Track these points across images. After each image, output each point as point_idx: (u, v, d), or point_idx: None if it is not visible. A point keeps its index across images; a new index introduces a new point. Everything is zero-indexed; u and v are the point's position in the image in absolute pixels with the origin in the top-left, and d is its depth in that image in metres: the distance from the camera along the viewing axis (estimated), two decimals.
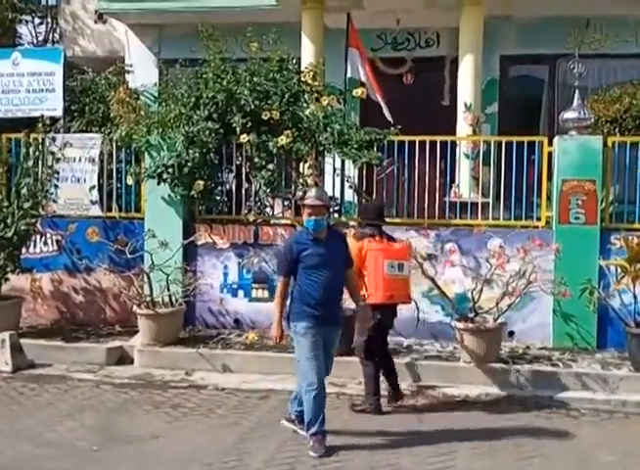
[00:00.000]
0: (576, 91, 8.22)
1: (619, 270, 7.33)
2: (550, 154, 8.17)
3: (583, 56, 9.16)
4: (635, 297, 7.26)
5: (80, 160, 9.01)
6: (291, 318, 5.65)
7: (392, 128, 8.28)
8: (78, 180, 9.00)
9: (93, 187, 8.96)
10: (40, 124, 8.70)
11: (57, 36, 14.38)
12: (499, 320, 7.38)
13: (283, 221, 8.67)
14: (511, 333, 7.94)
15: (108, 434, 5.93)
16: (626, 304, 7.36)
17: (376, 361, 6.51)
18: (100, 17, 13.38)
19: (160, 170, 8.33)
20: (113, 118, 9.08)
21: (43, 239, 8.98)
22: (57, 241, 8.99)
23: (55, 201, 8.86)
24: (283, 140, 8.08)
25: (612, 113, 8.77)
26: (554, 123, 10.43)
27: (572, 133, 8.03)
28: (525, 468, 4.92)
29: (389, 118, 9.19)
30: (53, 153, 8.75)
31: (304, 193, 5.97)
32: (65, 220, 8.97)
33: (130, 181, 8.74)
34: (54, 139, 8.89)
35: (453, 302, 7.77)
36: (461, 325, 7.34)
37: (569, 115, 8.08)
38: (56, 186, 8.82)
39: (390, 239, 6.70)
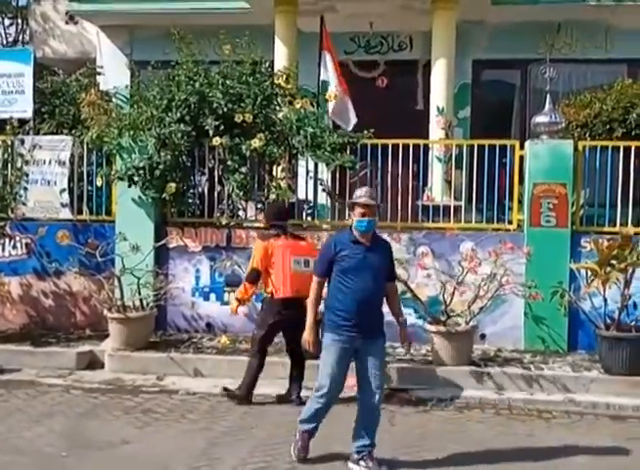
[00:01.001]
0: (548, 96, 8.30)
1: (590, 273, 7.39)
2: (521, 157, 8.23)
3: (554, 61, 9.29)
4: (605, 299, 7.32)
5: (50, 162, 8.90)
6: (323, 328, 5.30)
7: (365, 131, 8.28)
8: (48, 183, 8.89)
9: (63, 190, 8.85)
10: (8, 126, 8.59)
11: (27, 37, 14.25)
12: (471, 323, 7.41)
13: (256, 224, 8.63)
14: (483, 336, 7.98)
15: (77, 440, 5.85)
16: (597, 306, 7.43)
17: (263, 358, 6.76)
18: (71, 18, 13.27)
19: (131, 173, 8.26)
20: (83, 121, 8.98)
21: (12, 242, 8.86)
22: (26, 244, 8.86)
23: (24, 204, 8.75)
24: (256, 143, 8.05)
25: (582, 117, 8.84)
26: (525, 127, 10.52)
27: (544, 137, 8.10)
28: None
29: (349, 125, 9.15)
30: (22, 155, 8.64)
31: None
32: (34, 223, 8.85)
33: (99, 182, 8.66)
34: (23, 141, 8.77)
35: (425, 305, 7.78)
36: (433, 328, 7.37)
37: (540, 119, 8.15)
38: (25, 189, 8.71)
39: (296, 237, 6.89)
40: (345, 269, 5.14)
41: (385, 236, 8.09)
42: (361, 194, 5.23)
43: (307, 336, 5.33)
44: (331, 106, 9.43)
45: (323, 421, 5.45)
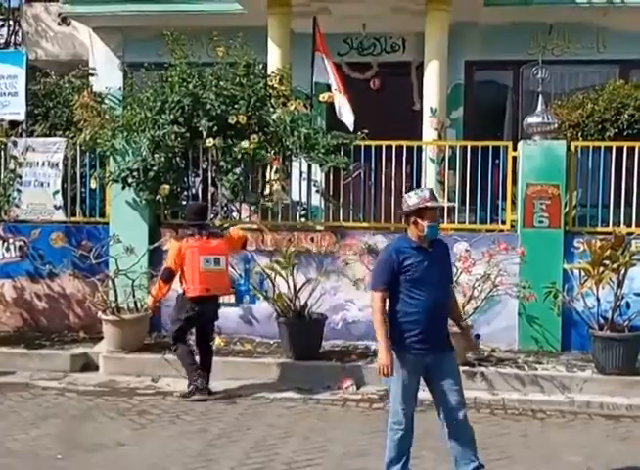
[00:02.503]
0: (540, 96, 8.33)
1: (583, 274, 7.42)
2: (514, 158, 8.26)
3: (546, 62, 9.29)
4: (598, 299, 7.35)
5: (44, 164, 8.88)
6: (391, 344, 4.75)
7: (359, 133, 8.30)
8: (42, 185, 8.87)
9: (57, 192, 8.84)
10: (1, 129, 8.58)
11: (19, 39, 14.19)
12: (465, 323, 7.42)
13: (249, 226, 8.63)
14: (477, 336, 7.97)
15: (72, 442, 5.85)
16: (590, 306, 7.45)
17: (185, 343, 7.07)
18: (63, 19, 13.23)
19: (124, 175, 8.26)
20: (77, 122, 8.97)
21: (5, 245, 8.84)
22: (19, 247, 8.84)
23: (17, 206, 8.75)
24: (246, 144, 8.04)
25: (574, 118, 8.87)
26: (518, 128, 10.53)
27: (536, 138, 8.13)
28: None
29: (350, 126, 9.18)
30: (15, 157, 8.62)
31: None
32: (28, 226, 8.84)
33: (94, 185, 8.66)
34: (15, 143, 8.77)
35: None
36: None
37: (532, 120, 8.18)
38: (18, 191, 8.71)
39: (211, 235, 7.07)
40: (415, 279, 4.60)
41: (378, 237, 8.19)
42: (427, 196, 4.69)
43: (384, 360, 4.58)
44: (337, 107, 9.42)
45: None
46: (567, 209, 8.09)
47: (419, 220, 4.65)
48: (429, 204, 4.65)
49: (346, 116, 9.33)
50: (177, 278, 7.02)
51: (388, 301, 4.69)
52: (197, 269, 6.83)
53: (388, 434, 4.79)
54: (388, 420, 4.82)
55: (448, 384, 4.69)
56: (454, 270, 7.54)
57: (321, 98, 8.97)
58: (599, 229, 8.09)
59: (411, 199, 4.72)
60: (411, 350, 4.62)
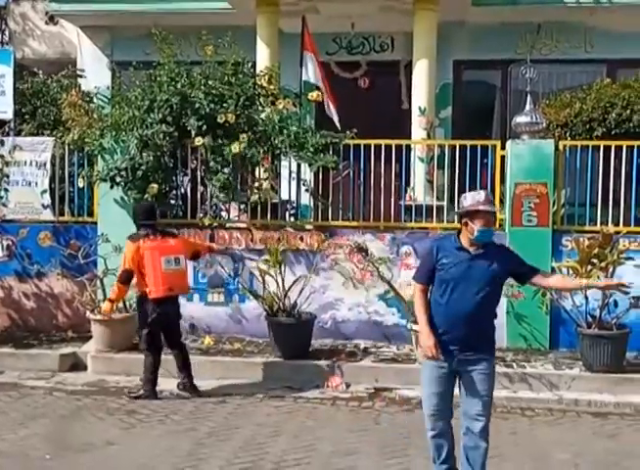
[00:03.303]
0: (528, 96, 8.36)
1: (571, 271, 7.45)
2: (503, 157, 8.29)
3: (535, 61, 9.33)
4: (586, 298, 7.39)
5: (31, 163, 8.84)
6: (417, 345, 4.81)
7: (348, 132, 8.30)
8: (29, 184, 8.83)
9: (45, 191, 8.80)
10: None
11: (6, 38, 14.10)
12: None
13: (238, 225, 8.63)
14: None
15: (61, 442, 5.83)
16: (578, 305, 7.49)
17: (156, 353, 6.92)
18: (51, 18, 13.17)
19: (112, 173, 8.23)
20: (64, 122, 8.93)
21: None
22: (7, 246, 8.78)
23: (5, 205, 8.69)
24: (236, 148, 8.00)
25: (562, 117, 8.91)
26: (506, 128, 10.58)
27: (525, 137, 8.16)
28: None
29: (337, 125, 9.19)
30: (2, 156, 8.58)
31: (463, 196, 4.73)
32: (15, 225, 8.79)
33: (81, 184, 8.63)
34: (3, 142, 8.72)
35: (409, 304, 7.80)
36: (417, 327, 7.37)
37: (521, 119, 8.21)
38: (6, 190, 8.66)
39: (166, 235, 7.05)
40: (445, 280, 4.54)
41: (368, 235, 8.20)
42: (482, 199, 4.56)
43: (426, 342, 4.54)
44: (326, 105, 9.44)
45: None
46: (555, 207, 8.13)
47: (470, 223, 4.54)
48: (481, 207, 4.51)
49: (333, 115, 9.35)
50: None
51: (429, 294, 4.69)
52: (159, 270, 6.73)
53: (429, 439, 4.79)
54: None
55: (472, 391, 4.58)
56: None
57: (310, 97, 8.96)
58: (587, 228, 8.12)
59: (466, 200, 4.62)
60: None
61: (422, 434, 5.97)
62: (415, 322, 7.44)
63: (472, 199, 4.59)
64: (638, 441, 6.02)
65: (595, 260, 7.28)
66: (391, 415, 6.53)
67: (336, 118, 9.34)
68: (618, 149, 8.13)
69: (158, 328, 6.92)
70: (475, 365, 4.57)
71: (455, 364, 4.57)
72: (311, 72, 9.50)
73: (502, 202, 8.29)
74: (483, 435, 4.59)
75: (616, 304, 7.49)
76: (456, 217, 7.54)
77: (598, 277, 7.25)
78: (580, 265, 7.30)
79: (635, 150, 8.10)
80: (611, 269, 7.30)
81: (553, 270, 7.79)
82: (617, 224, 8.08)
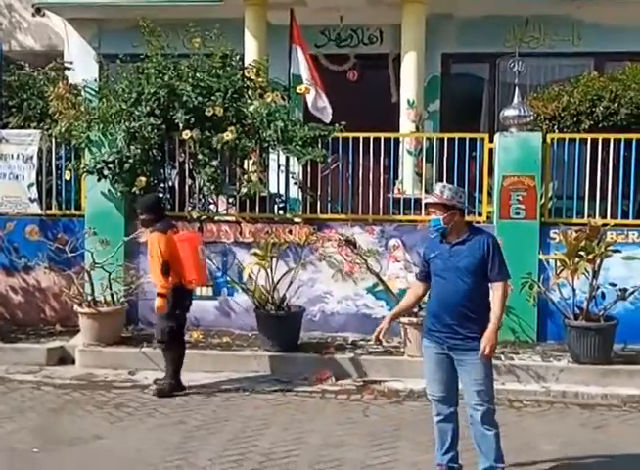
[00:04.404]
0: (516, 89, 8.37)
1: (559, 264, 7.49)
2: (491, 150, 8.30)
3: (523, 54, 9.33)
4: (574, 290, 7.42)
5: (18, 156, 8.78)
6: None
7: (337, 125, 8.29)
8: (16, 177, 8.78)
9: (32, 184, 8.74)
10: None
11: None
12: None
13: (227, 218, 8.61)
14: None
15: (49, 436, 5.81)
16: (565, 297, 7.52)
17: (183, 344, 6.96)
18: (38, 10, 13.06)
19: (99, 166, 8.19)
20: (51, 114, 8.88)
21: None
22: None
23: None
24: (228, 136, 8.01)
25: (550, 110, 8.92)
26: (494, 120, 10.59)
27: (512, 130, 8.17)
28: (469, 460, 5.00)
29: (327, 118, 9.16)
30: None
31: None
32: (2, 219, 8.73)
33: (68, 176, 8.58)
34: None
35: (397, 297, 7.82)
36: (405, 320, 7.41)
37: (509, 112, 8.22)
38: None
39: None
40: (433, 272, 4.84)
41: (356, 228, 8.21)
42: (432, 191, 4.96)
43: (376, 330, 5.00)
44: (309, 100, 9.42)
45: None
46: (542, 200, 8.16)
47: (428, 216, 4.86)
48: (424, 200, 4.92)
49: (323, 108, 9.32)
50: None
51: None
52: (196, 260, 6.81)
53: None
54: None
55: (466, 381, 4.71)
56: None
57: (298, 90, 8.95)
58: (574, 220, 8.16)
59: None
60: (431, 337, 4.80)
61: (411, 426, 6.03)
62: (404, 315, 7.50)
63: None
64: (625, 432, 6.07)
65: (582, 253, 7.30)
66: (380, 408, 6.54)
67: (329, 111, 9.30)
68: (606, 142, 8.16)
69: (185, 319, 7.01)
70: (466, 356, 4.66)
71: (447, 349, 4.72)
72: (301, 66, 9.49)
73: (490, 195, 8.31)
74: (487, 422, 4.68)
75: (603, 295, 7.53)
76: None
77: (585, 269, 7.30)
78: (568, 258, 7.33)
79: (622, 143, 8.14)
80: (598, 262, 7.34)
81: (540, 263, 7.83)
82: (604, 217, 8.13)
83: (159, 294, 6.69)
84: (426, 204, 4.94)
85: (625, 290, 7.48)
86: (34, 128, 9.07)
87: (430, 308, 4.88)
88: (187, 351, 7.53)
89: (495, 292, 4.76)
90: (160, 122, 8.14)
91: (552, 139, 8.26)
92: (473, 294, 4.69)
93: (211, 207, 8.78)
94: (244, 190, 8.28)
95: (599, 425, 6.20)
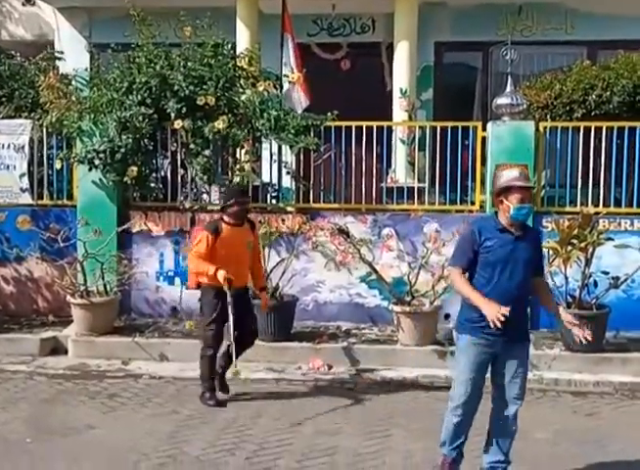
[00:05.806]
0: (509, 78, 8.35)
1: (551, 252, 7.49)
2: (484, 139, 8.29)
3: (515, 43, 9.32)
4: (566, 278, 7.43)
5: (9, 146, 8.74)
6: (456, 328, 4.68)
7: (329, 114, 8.27)
8: (7, 168, 8.74)
9: (23, 174, 8.71)
10: None
11: None
12: (435, 303, 7.49)
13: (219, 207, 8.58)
14: (447, 316, 8.02)
15: (42, 426, 5.81)
16: (558, 285, 7.52)
17: (216, 353, 6.38)
18: (28, 0, 12.98)
19: (90, 156, 8.15)
20: (43, 104, 8.83)
21: None
22: None
23: None
24: (220, 124, 7.97)
25: (543, 99, 8.91)
26: (487, 109, 10.56)
27: (505, 119, 8.16)
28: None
29: (299, 108, 9.02)
30: None
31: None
32: None
33: (59, 165, 8.53)
34: None
35: (390, 286, 7.84)
36: (398, 308, 7.42)
37: (501, 101, 8.21)
38: None
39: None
40: (491, 262, 4.41)
41: (349, 218, 8.20)
42: (516, 175, 4.43)
43: (494, 308, 4.23)
44: (284, 88, 9.33)
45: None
46: (535, 189, 8.14)
47: (505, 200, 4.42)
48: (517, 183, 4.39)
49: (298, 99, 9.14)
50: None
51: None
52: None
53: (447, 417, 4.72)
54: (449, 405, 4.73)
55: (510, 374, 4.55)
56: (425, 250, 7.69)
57: (291, 79, 8.91)
58: (567, 209, 8.17)
59: (500, 178, 4.51)
60: (483, 334, 4.45)
61: (404, 414, 6.04)
62: (396, 303, 7.51)
63: (506, 176, 4.47)
64: (617, 419, 6.10)
65: (575, 241, 7.32)
66: (373, 396, 6.55)
67: (302, 100, 9.14)
68: (598, 130, 8.16)
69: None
70: (517, 349, 4.53)
71: (499, 348, 4.48)
72: (290, 54, 9.43)
73: (483, 183, 8.30)
74: (516, 416, 4.63)
75: (595, 284, 7.55)
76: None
77: (578, 257, 7.31)
78: (560, 246, 7.34)
79: (615, 131, 8.14)
80: (590, 250, 7.35)
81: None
82: (596, 205, 8.14)
83: (263, 288, 6.63)
84: (517, 188, 4.40)
85: (618, 278, 7.51)
86: (25, 118, 9.01)
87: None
88: (181, 340, 7.59)
89: (545, 285, 4.80)
90: (151, 112, 8.10)
91: (545, 128, 8.26)
92: (528, 288, 4.57)
93: (204, 196, 8.76)
94: (236, 179, 8.26)
95: (591, 412, 6.23)
